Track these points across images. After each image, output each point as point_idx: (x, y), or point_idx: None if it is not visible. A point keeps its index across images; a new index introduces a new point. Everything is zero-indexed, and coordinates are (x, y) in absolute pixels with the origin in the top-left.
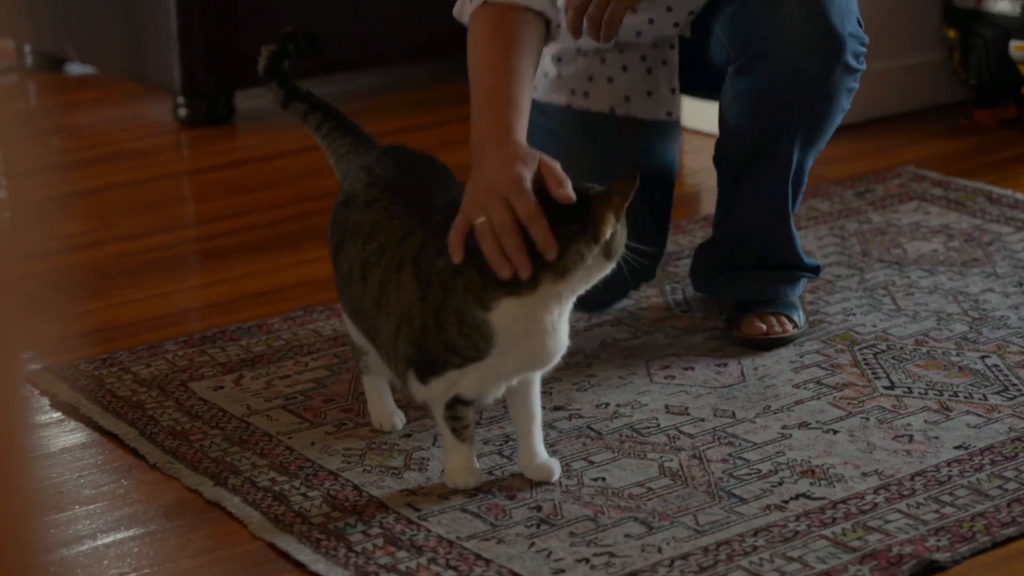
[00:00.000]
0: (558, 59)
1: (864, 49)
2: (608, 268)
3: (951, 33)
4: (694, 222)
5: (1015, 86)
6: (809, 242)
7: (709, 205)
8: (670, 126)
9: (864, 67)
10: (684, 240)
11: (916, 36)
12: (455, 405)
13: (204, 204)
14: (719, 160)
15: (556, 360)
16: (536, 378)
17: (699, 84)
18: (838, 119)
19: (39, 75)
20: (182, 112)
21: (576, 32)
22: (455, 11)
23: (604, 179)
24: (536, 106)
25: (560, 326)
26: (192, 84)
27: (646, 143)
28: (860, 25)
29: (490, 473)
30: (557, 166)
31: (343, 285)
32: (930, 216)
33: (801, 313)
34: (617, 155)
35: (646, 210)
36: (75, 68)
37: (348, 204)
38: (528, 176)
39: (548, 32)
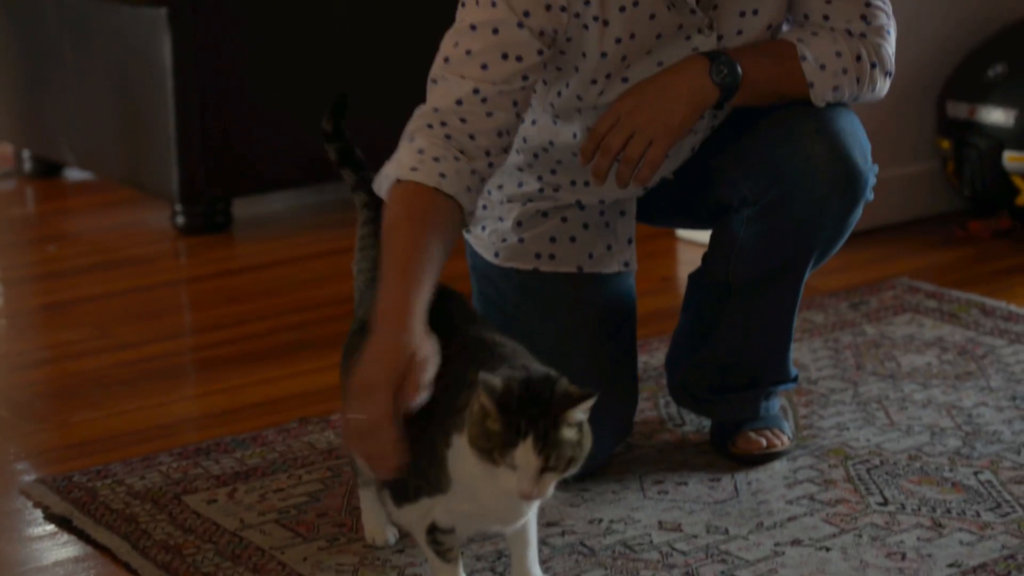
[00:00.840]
0: (518, 224)
1: (876, 179)
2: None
3: (945, 144)
4: None
5: (1009, 197)
6: (804, 355)
7: None
8: (628, 276)
9: (873, 196)
10: None
11: (910, 146)
12: (434, 531)
13: (201, 313)
14: (707, 281)
15: (518, 522)
16: (526, 529)
17: (679, 218)
18: (844, 241)
19: (37, 181)
20: (180, 219)
21: (602, 177)
22: (374, 185)
23: (569, 338)
24: (498, 272)
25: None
26: (190, 191)
27: (607, 294)
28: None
29: None
30: (426, 371)
31: None
32: (924, 328)
33: (788, 424)
34: (584, 313)
35: (615, 364)
36: (73, 174)
37: (364, 332)
38: (392, 378)
39: (462, 219)
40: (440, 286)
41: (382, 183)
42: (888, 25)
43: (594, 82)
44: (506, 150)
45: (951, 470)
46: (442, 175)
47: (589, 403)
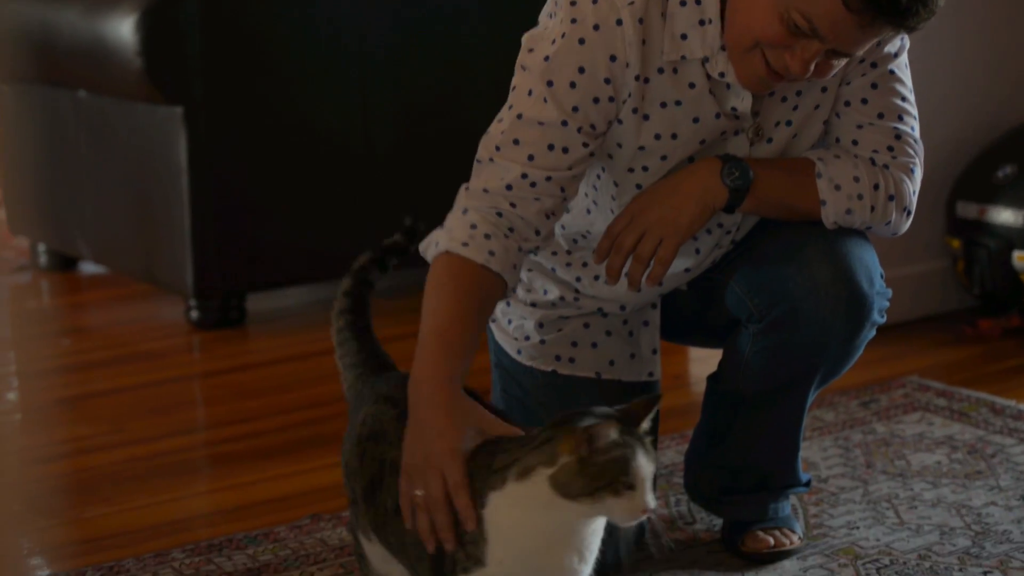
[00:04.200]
0: (540, 325)
1: (887, 303)
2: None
3: (955, 243)
4: None
5: (1018, 296)
6: (814, 453)
7: None
8: (652, 385)
9: (885, 319)
10: None
11: (920, 245)
12: None
13: (214, 408)
14: (721, 388)
15: None
16: None
17: (695, 335)
18: (855, 362)
19: (52, 274)
20: (194, 314)
21: (615, 276)
22: (421, 247)
23: None
24: (520, 370)
25: (567, 546)
26: (204, 286)
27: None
28: (882, 277)
29: None
30: (492, 418)
31: (384, 518)
32: (934, 427)
33: (799, 523)
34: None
35: None
36: (89, 268)
37: (378, 439)
38: (459, 445)
39: (504, 293)
40: None
41: (429, 248)
42: (914, 164)
43: (631, 171)
44: (553, 230)
45: (961, 570)
46: (491, 252)
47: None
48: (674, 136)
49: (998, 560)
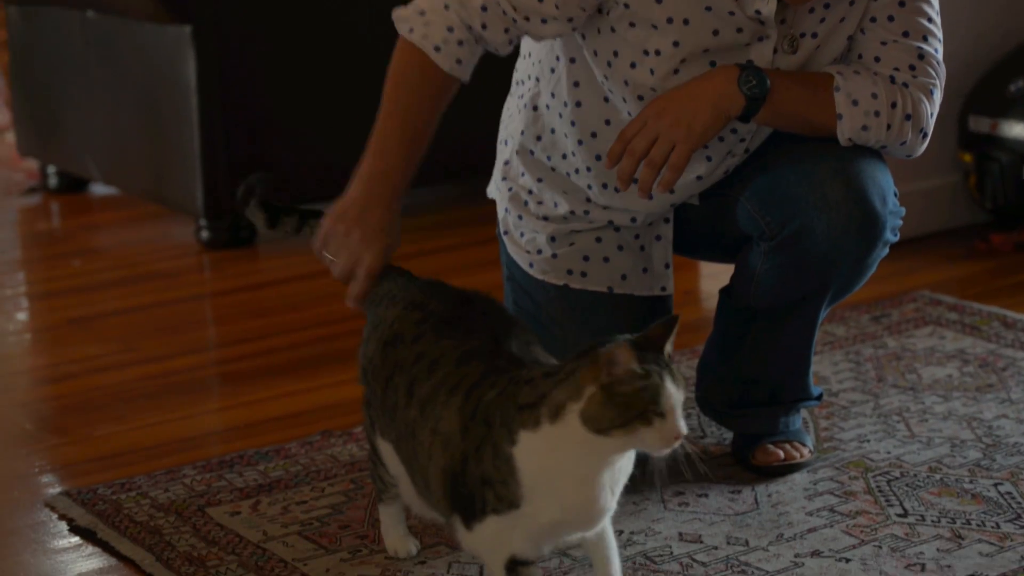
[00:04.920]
0: (552, 239)
1: (900, 222)
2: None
3: (967, 157)
4: None
5: None
6: (824, 367)
7: None
8: (664, 300)
9: (898, 237)
10: None
11: (932, 160)
12: (515, 568)
13: (224, 327)
14: (733, 303)
15: (600, 521)
16: (606, 536)
17: (704, 249)
18: (867, 279)
19: (63, 196)
20: (204, 234)
21: (626, 181)
22: (395, 13)
23: None
24: (532, 283)
25: (600, 483)
26: (214, 206)
27: (641, 318)
28: (896, 196)
29: None
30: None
31: (389, 414)
32: (945, 341)
33: (809, 437)
34: (616, 325)
35: None
36: (99, 189)
37: (396, 343)
38: (384, 247)
39: (457, 91)
40: (478, 294)
41: (401, 23)
42: (934, 86)
43: (645, 53)
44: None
45: (971, 482)
46: (459, 61)
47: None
48: (686, 22)
49: (1008, 472)
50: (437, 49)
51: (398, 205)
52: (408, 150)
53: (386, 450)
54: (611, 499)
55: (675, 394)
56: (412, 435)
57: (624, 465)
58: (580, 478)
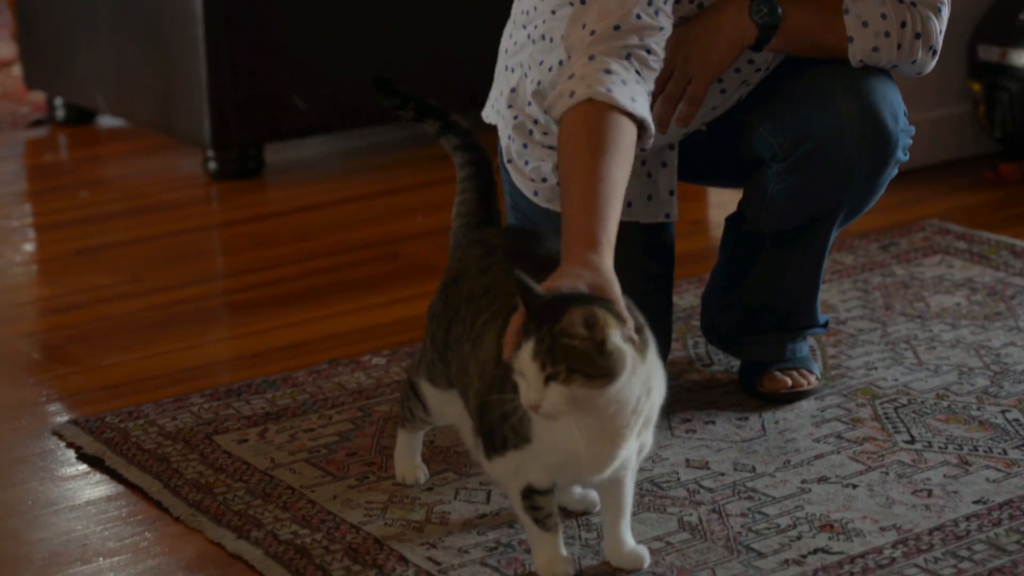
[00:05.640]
0: (556, 167)
1: (911, 141)
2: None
3: (976, 86)
4: None
5: None
6: (832, 296)
7: None
8: (667, 227)
9: (908, 157)
10: None
11: (941, 89)
12: (531, 495)
13: (232, 257)
14: (742, 228)
15: (606, 467)
16: (626, 475)
17: (715, 176)
18: (877, 200)
19: (70, 128)
20: (212, 165)
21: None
22: (546, 104)
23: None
24: (536, 212)
25: (588, 433)
26: (222, 137)
27: (646, 245)
28: (906, 115)
29: (511, 526)
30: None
31: (453, 350)
32: (953, 270)
33: (816, 364)
34: (620, 259)
35: (649, 310)
36: (106, 121)
37: (458, 281)
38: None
39: (641, 138)
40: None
41: (560, 101)
42: (942, 2)
43: None
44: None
45: (979, 409)
46: (633, 99)
47: (606, 320)
48: None
49: (1016, 399)
50: (608, 91)
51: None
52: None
53: (431, 395)
54: (609, 450)
55: (529, 364)
56: (466, 365)
57: (625, 419)
58: (566, 424)
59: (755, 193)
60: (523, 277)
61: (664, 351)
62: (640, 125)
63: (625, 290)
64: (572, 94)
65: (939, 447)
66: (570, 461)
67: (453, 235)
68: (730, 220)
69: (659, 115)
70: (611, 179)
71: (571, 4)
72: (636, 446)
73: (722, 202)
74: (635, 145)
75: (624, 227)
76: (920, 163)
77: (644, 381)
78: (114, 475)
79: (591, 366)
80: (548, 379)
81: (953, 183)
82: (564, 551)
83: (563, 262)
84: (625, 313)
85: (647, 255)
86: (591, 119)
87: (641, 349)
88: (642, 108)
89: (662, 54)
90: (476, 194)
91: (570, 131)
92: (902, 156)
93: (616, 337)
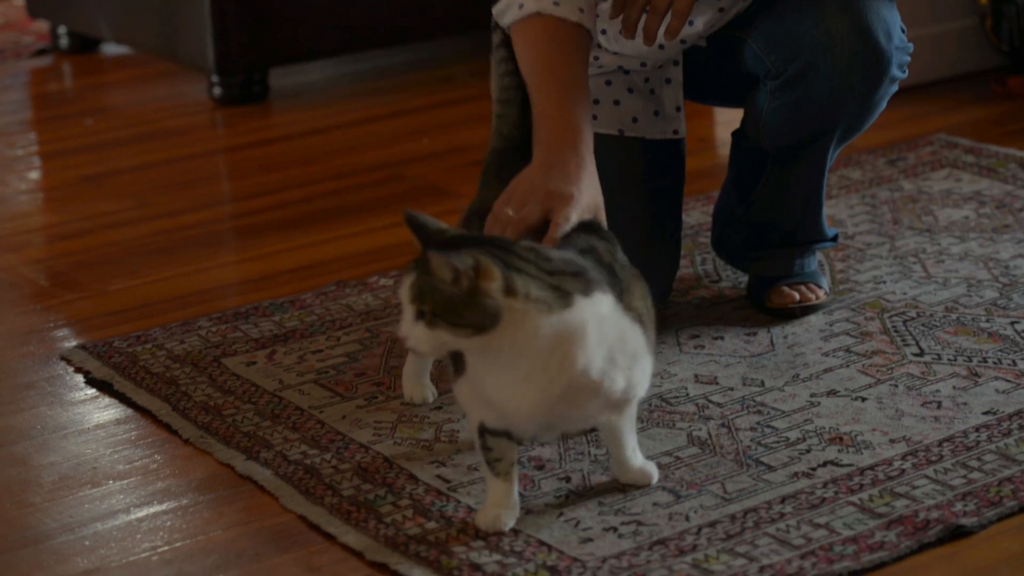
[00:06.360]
0: None
1: (908, 58)
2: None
3: (983, 0)
4: None
5: None
6: (840, 211)
7: None
8: (678, 143)
9: (907, 74)
10: None
11: (948, 3)
12: (483, 434)
13: (238, 181)
14: (745, 144)
15: (530, 425)
16: (621, 423)
17: (714, 93)
18: (876, 117)
19: (74, 56)
20: (216, 91)
21: (632, 28)
22: (495, 10)
23: (614, 195)
24: None
25: (495, 378)
26: (226, 63)
27: (655, 162)
28: (904, 32)
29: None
30: (564, 226)
31: None
32: (961, 183)
33: (825, 278)
34: (628, 176)
35: (658, 228)
36: (110, 48)
37: (482, 216)
38: (584, 203)
39: (591, 47)
40: None
41: (509, 11)
42: None
43: None
44: None
45: (987, 320)
46: (581, 9)
47: (488, 270)
48: None
49: None
50: (556, 4)
51: (586, 147)
52: (568, 99)
53: None
54: (529, 404)
55: (404, 297)
56: None
57: (533, 374)
58: (472, 364)
59: (751, 111)
60: (414, 214)
61: (672, 266)
62: (588, 34)
63: (632, 211)
64: (521, 6)
65: (948, 359)
66: (494, 404)
67: (489, 157)
68: (736, 135)
69: (647, 27)
70: (579, 80)
71: None
72: (611, 399)
73: (729, 120)
74: (587, 50)
75: (631, 143)
76: (927, 77)
77: (558, 334)
78: (123, 399)
79: (455, 315)
80: (417, 317)
81: (960, 97)
82: (513, 501)
83: (545, 154)
84: (525, 262)
85: (656, 170)
86: (550, 31)
87: (554, 301)
88: (588, 17)
89: None
90: (518, 109)
91: (526, 42)
92: (899, 74)
93: (493, 290)
